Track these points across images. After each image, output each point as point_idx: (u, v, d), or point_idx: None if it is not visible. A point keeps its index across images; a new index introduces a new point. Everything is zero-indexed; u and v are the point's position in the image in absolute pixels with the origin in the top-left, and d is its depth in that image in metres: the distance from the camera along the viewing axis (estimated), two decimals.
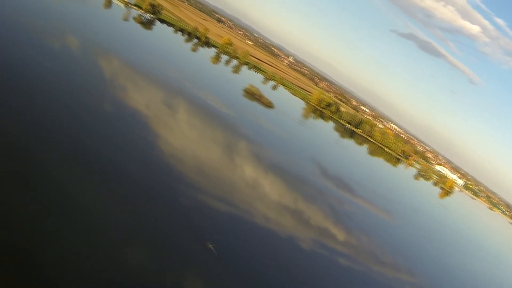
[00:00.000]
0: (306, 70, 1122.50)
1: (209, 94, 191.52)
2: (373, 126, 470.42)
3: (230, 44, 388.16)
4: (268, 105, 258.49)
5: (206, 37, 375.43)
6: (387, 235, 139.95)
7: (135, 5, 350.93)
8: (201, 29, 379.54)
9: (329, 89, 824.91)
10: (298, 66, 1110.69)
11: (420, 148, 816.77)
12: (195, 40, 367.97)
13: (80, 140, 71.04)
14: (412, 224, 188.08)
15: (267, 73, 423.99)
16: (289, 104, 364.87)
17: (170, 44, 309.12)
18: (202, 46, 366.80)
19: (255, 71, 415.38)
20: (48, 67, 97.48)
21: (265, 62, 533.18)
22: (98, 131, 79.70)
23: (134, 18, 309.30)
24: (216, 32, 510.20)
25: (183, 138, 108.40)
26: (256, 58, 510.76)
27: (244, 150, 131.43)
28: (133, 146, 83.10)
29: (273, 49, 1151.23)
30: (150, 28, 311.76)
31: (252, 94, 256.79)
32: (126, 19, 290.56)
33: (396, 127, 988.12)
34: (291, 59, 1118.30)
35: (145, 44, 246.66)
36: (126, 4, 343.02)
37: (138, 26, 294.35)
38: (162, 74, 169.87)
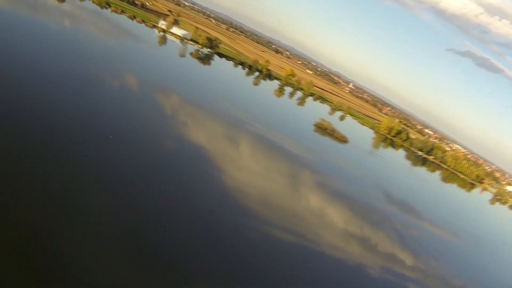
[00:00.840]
0: (367, 95, 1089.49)
1: (280, 134, 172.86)
2: (444, 151, 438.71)
3: (293, 75, 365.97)
4: (342, 140, 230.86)
5: (268, 69, 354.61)
6: (457, 259, 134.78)
7: (191, 40, 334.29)
8: (261, 61, 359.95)
9: (392, 114, 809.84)
10: (359, 92, 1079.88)
11: (488, 168, 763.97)
12: (257, 73, 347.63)
13: (145, 174, 75.65)
14: (485, 248, 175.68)
15: (333, 103, 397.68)
16: (359, 135, 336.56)
17: (232, 79, 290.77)
18: (264, 79, 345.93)
19: (321, 102, 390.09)
20: (110, 106, 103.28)
21: (328, 91, 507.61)
22: (167, 167, 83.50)
23: (191, 54, 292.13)
24: (276, 63, 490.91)
25: (263, 180, 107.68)
26: (319, 88, 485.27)
27: (316, 186, 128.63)
28: (208, 183, 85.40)
29: (333, 76, 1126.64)
30: (208, 63, 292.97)
31: (324, 129, 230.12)
32: (183, 55, 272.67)
33: (460, 147, 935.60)
34: (351, 85, 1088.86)
35: (206, 80, 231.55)
36: (181, 40, 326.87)
37: (196, 62, 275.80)
38: (227, 111, 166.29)
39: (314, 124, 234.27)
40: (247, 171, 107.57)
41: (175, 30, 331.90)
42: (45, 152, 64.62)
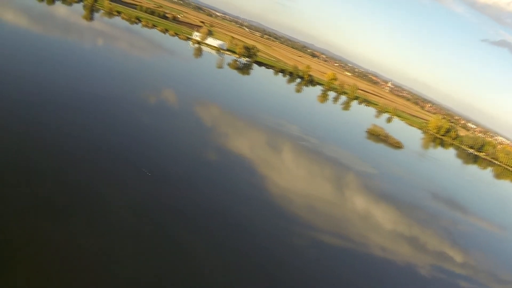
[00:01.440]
0: (406, 93, 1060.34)
1: (333, 146, 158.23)
2: (494, 146, 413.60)
3: (335, 79, 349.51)
4: (397, 145, 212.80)
5: (309, 75, 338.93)
6: (509, 254, 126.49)
7: (228, 50, 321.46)
8: (302, 67, 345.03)
9: (435, 111, 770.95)
10: (398, 90, 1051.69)
11: None
12: (298, 80, 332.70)
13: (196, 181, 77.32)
14: None
15: (378, 105, 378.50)
16: (409, 137, 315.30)
17: (274, 88, 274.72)
18: (306, 85, 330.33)
19: (366, 105, 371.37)
20: (155, 122, 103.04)
21: (370, 93, 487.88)
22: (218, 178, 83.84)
23: (229, 64, 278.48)
24: (315, 68, 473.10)
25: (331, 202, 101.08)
26: (361, 90, 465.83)
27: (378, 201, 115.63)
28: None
29: (371, 76, 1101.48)
30: (248, 73, 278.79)
31: (377, 135, 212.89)
32: (220, 67, 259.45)
33: (503, 139, 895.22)
34: (390, 84, 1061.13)
35: (248, 90, 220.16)
36: (217, 50, 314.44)
37: (235, 72, 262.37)
38: (274, 122, 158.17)
39: (366, 131, 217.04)
40: (303, 185, 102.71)
41: (210, 41, 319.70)
42: (77, 190, 58.95)
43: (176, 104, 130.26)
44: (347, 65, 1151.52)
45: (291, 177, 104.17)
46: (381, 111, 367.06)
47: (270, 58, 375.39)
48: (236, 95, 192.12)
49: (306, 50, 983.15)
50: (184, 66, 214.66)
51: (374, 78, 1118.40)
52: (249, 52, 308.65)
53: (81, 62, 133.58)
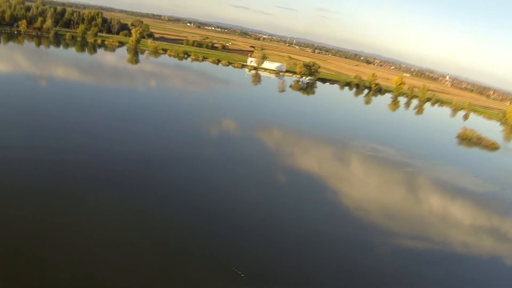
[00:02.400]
0: (466, 84, 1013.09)
1: (442, 165, 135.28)
2: None
3: (403, 83, 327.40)
4: (493, 147, 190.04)
5: (376, 84, 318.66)
6: None
7: (287, 71, 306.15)
8: (366, 77, 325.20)
9: (501, 98, 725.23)
10: (458, 83, 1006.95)
11: None
12: (366, 91, 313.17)
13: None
14: None
15: (452, 103, 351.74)
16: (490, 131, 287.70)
17: (344, 103, 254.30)
18: (374, 94, 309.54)
19: (440, 105, 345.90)
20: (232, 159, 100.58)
21: (435, 91, 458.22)
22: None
23: (291, 86, 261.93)
24: (377, 75, 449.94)
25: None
26: (429, 90, 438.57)
27: None
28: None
29: (428, 74, 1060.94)
30: (313, 92, 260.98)
31: (468, 139, 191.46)
32: (283, 90, 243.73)
33: None
34: (448, 78, 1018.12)
35: (317, 110, 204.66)
36: (276, 73, 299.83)
37: (299, 94, 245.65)
38: (355, 140, 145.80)
39: (456, 136, 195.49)
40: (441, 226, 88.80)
41: (266, 64, 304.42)
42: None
43: (247, 135, 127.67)
44: (401, 66, 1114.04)
45: (417, 216, 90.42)
46: (456, 109, 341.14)
47: (329, 73, 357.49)
48: (307, 117, 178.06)
49: (358, 58, 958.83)
50: (245, 95, 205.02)
51: (431, 74, 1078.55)
52: (310, 70, 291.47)
53: (141, 107, 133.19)
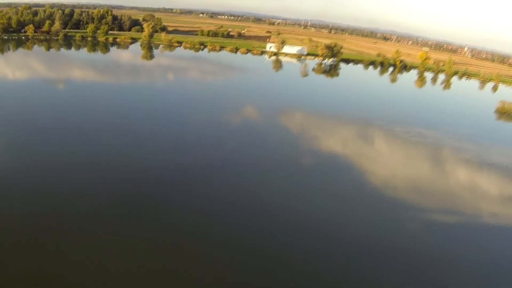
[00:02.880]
0: (485, 54, 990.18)
1: (497, 148, 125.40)
2: None
3: (428, 58, 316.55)
4: None
5: (401, 61, 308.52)
6: None
7: (308, 54, 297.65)
8: (391, 54, 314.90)
9: None
10: (477, 53, 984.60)
11: None
12: (391, 68, 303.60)
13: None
14: None
15: (480, 75, 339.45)
16: None
17: (373, 83, 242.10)
18: (400, 72, 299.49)
19: (467, 78, 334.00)
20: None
21: (458, 64, 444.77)
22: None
23: (314, 69, 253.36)
24: (404, 52, 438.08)
25: None
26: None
27: None
28: None
29: (446, 46, 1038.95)
30: (337, 74, 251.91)
31: (508, 113, 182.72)
32: (306, 74, 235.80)
33: None
34: (466, 49, 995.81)
35: (345, 92, 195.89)
36: (298, 57, 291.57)
37: (323, 77, 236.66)
38: (389, 121, 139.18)
39: (494, 111, 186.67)
40: None
41: (286, 49, 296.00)
42: None
43: (276, 122, 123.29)
44: (418, 40, 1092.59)
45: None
46: (484, 81, 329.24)
47: (350, 52, 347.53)
48: (336, 101, 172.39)
49: (375, 35, 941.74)
50: (267, 82, 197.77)
51: (449, 47, 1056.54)
52: (333, 51, 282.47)
53: (166, 102, 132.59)
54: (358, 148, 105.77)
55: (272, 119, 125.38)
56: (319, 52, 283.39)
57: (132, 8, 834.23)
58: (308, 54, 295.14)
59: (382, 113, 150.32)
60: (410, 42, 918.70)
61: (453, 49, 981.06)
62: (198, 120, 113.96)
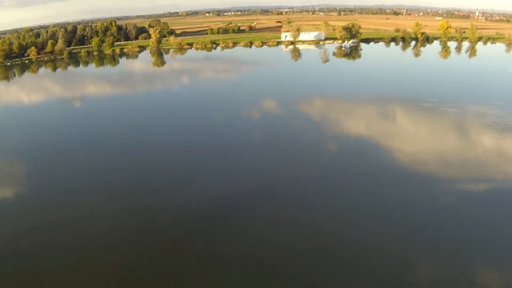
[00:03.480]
0: (497, 16, 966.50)
1: None
2: None
3: (450, 27, 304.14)
4: None
5: (422, 33, 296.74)
6: None
7: (326, 39, 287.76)
8: (412, 28, 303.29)
9: None
10: (490, 15, 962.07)
11: None
12: (413, 42, 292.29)
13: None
14: None
15: (505, 37, 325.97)
16: None
17: (399, 60, 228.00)
18: (423, 45, 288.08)
19: (492, 42, 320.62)
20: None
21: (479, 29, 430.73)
22: None
23: (335, 54, 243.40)
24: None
25: None
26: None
27: None
28: None
29: (457, 13, 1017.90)
30: (359, 56, 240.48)
31: None
32: (326, 60, 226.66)
33: None
34: (478, 13, 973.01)
35: (377, 74, 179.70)
36: (316, 43, 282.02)
37: (345, 60, 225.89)
38: (445, 103, 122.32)
39: None
40: None
41: (303, 36, 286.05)
42: None
43: (308, 110, 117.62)
44: (427, 11, 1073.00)
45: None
46: (510, 43, 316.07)
47: (367, 31, 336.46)
48: (363, 82, 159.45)
49: (384, 11, 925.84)
50: (287, 72, 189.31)
51: (460, 13, 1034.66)
52: (351, 32, 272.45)
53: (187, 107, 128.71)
54: (429, 142, 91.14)
55: (307, 111, 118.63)
56: (337, 35, 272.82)
57: (137, 17, 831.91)
58: (326, 39, 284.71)
59: (420, 92, 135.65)
60: (421, 14, 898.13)
61: (465, 15, 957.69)
62: (230, 116, 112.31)
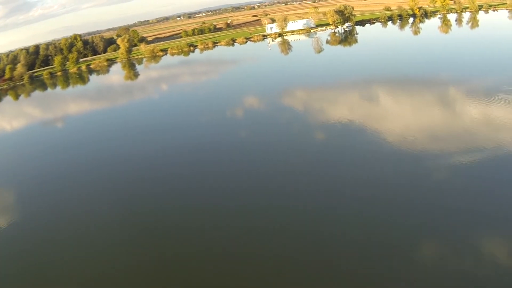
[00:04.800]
0: None
1: None
2: None
3: None
4: None
5: (419, 8, 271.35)
6: None
7: (317, 26, 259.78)
8: (407, 5, 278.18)
9: None
10: None
11: None
12: (411, 19, 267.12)
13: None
14: None
15: (507, 3, 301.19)
16: None
17: (402, 41, 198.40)
18: (421, 21, 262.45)
19: (494, 9, 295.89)
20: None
21: None
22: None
23: (328, 42, 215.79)
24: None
25: None
26: None
27: None
28: None
29: None
30: (356, 41, 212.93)
31: None
32: (320, 50, 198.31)
33: None
34: None
35: (373, 59, 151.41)
36: (307, 32, 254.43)
37: (340, 48, 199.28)
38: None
39: None
40: None
41: (291, 26, 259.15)
42: None
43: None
44: None
45: None
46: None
47: (362, 13, 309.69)
48: (367, 71, 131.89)
49: None
50: (282, 67, 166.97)
51: None
52: (343, 15, 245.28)
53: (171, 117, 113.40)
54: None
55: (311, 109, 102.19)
56: (330, 20, 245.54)
57: (108, 30, 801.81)
58: (317, 26, 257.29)
59: (446, 73, 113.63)
60: None
61: None
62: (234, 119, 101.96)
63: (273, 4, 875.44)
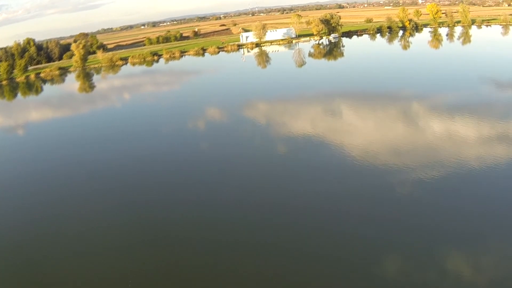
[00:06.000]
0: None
1: None
2: None
3: (439, 10, 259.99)
4: None
5: (409, 20, 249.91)
6: None
7: (300, 36, 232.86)
8: (397, 17, 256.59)
9: None
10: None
11: None
12: (401, 32, 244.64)
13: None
14: None
15: (500, 19, 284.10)
16: None
17: (386, 55, 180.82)
18: (411, 34, 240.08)
19: (487, 25, 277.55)
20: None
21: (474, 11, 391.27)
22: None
23: (312, 55, 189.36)
24: (386, 13, 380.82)
25: None
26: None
27: None
28: None
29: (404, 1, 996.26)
30: (342, 54, 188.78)
31: None
32: (301, 64, 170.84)
33: None
34: None
35: (362, 76, 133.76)
36: (288, 43, 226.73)
37: (324, 62, 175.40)
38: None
39: None
40: None
41: (270, 35, 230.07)
42: None
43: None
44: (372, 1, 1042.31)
45: None
46: (506, 24, 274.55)
47: (349, 25, 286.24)
48: (348, 87, 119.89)
49: (325, 7, 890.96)
50: (263, 84, 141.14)
51: (408, 0, 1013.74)
52: (329, 25, 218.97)
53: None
54: None
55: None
56: (314, 30, 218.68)
57: (71, 37, 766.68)
58: (299, 36, 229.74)
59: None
60: (365, 5, 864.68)
61: (414, 2, 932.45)
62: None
63: (239, 15, 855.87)
